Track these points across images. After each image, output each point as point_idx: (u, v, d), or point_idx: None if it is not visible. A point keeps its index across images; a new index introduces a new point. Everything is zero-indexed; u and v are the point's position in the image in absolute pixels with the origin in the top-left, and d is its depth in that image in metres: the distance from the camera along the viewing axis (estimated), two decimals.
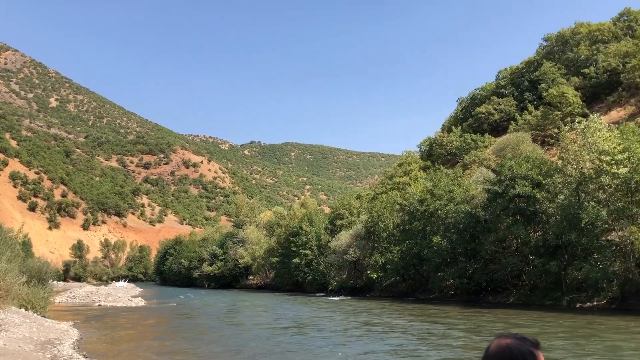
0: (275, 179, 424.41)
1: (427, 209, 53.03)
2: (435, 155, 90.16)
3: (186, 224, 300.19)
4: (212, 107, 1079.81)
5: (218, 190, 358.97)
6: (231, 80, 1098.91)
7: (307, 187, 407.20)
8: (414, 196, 57.31)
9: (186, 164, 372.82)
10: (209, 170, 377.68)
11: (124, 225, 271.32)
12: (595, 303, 35.13)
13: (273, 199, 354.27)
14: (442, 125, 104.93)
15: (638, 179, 33.53)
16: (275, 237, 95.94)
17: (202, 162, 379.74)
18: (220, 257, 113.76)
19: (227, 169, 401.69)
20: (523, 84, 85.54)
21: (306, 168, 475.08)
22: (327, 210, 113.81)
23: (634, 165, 33.87)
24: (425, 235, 53.31)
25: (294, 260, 79.56)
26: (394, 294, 59.30)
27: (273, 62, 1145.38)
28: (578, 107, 66.84)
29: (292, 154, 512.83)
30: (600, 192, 35.93)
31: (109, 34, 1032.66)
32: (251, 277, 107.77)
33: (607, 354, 17.12)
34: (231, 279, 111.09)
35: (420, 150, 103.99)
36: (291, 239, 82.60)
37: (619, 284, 33.85)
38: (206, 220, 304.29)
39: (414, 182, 70.71)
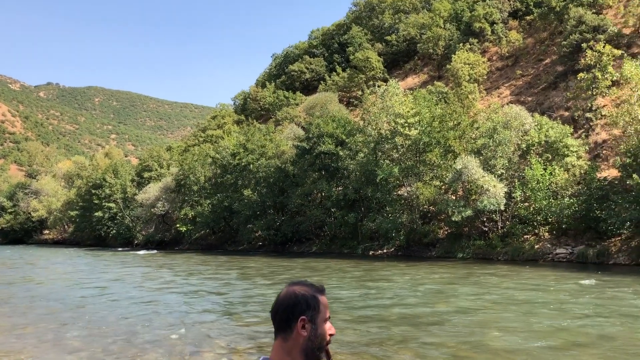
0: (77, 126, 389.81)
1: (240, 162, 53.55)
2: (249, 109, 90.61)
3: None
4: (1, 39, 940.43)
5: (7, 135, 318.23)
6: (26, 12, 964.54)
7: (113, 136, 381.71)
8: (227, 150, 57.37)
9: None
10: None
11: None
12: (385, 250, 39.26)
13: (73, 147, 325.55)
14: (257, 80, 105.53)
15: (425, 141, 37.72)
16: (75, 189, 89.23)
17: None
18: (10, 210, 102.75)
19: (17, 112, 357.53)
20: (333, 46, 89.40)
21: (112, 115, 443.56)
22: (134, 161, 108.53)
23: (423, 128, 37.95)
24: (237, 189, 54.02)
25: (96, 213, 74.97)
26: (203, 246, 59.50)
27: None
28: (380, 72, 72.11)
29: (96, 99, 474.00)
30: (394, 151, 39.70)
31: None
32: (47, 232, 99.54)
33: (386, 289, 19.36)
34: (23, 234, 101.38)
35: (234, 104, 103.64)
36: (93, 191, 77.48)
37: (405, 234, 38.18)
38: None
39: (227, 136, 70.56)
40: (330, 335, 2.06)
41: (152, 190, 67.04)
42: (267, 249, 50.25)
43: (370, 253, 39.72)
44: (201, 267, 35.46)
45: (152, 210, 65.66)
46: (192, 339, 12.51)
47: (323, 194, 45.98)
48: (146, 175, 75.47)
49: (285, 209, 50.15)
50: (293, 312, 1.98)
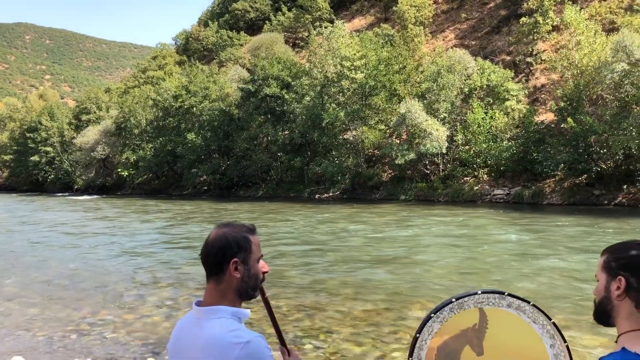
0: (6, 66, 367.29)
1: (182, 105, 52.22)
2: (191, 50, 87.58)
3: None
4: None
5: None
6: None
7: (47, 76, 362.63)
8: (169, 92, 55.72)
9: None
10: None
11: None
12: (330, 194, 39.75)
13: (4, 88, 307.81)
14: (199, 19, 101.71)
15: (371, 84, 37.72)
16: (7, 133, 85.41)
17: None
18: None
19: None
20: None
21: (45, 55, 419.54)
22: (71, 103, 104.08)
23: (369, 71, 37.85)
24: (180, 132, 52.88)
25: (32, 158, 72.36)
26: (147, 191, 58.51)
27: None
28: (327, 13, 70.72)
29: (27, 37, 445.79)
30: (340, 95, 39.56)
31: None
32: None
33: (331, 230, 19.78)
34: None
35: (175, 43, 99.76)
36: (28, 134, 74.42)
37: (351, 177, 38.69)
38: None
39: (169, 77, 68.41)
40: (264, 272, 2.04)
41: (91, 134, 64.84)
42: (213, 193, 49.92)
43: (317, 196, 40.13)
44: (138, 209, 34.94)
45: (92, 154, 63.69)
46: (134, 283, 12.42)
47: (269, 138, 45.65)
48: (84, 118, 72.79)
49: (231, 153, 49.63)
50: (225, 255, 1.94)
